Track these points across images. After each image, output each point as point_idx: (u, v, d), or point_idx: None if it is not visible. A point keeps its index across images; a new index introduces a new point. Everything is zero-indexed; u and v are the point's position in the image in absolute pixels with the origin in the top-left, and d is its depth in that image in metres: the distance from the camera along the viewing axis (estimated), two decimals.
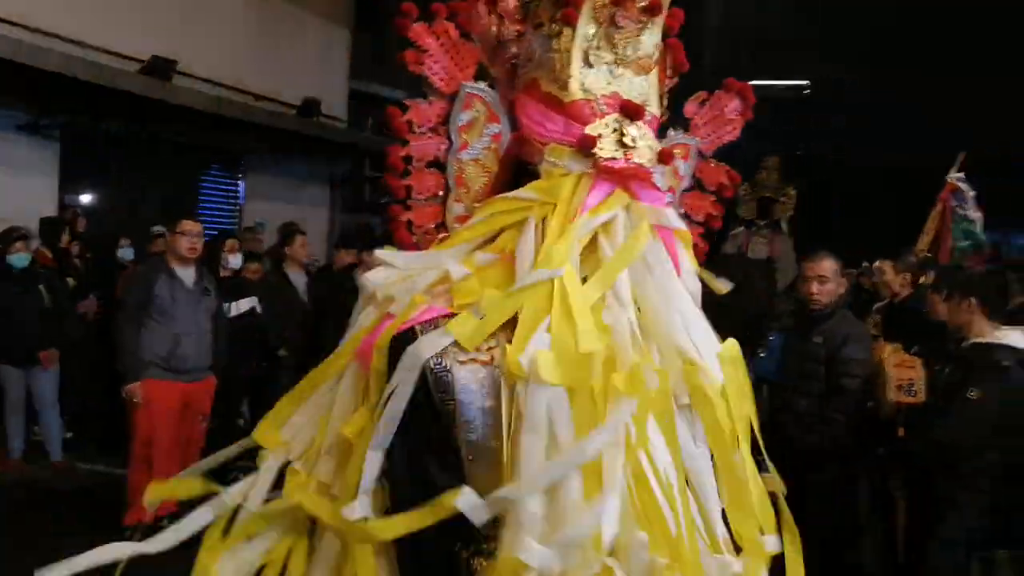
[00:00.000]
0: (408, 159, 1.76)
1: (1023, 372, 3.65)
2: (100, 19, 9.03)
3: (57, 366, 6.81)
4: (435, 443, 1.54)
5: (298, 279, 7.32)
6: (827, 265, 4.23)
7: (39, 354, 6.59)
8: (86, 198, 9.37)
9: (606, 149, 1.58)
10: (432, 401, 1.53)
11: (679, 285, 1.61)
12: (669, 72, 1.80)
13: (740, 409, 1.56)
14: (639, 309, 1.55)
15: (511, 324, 1.52)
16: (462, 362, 1.53)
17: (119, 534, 5.36)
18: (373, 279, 1.70)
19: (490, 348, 1.54)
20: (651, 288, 1.56)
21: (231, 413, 7.01)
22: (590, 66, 1.63)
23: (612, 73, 1.64)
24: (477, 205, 1.73)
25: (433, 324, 1.55)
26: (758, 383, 5.11)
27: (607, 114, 1.60)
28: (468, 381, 1.53)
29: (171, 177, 10.62)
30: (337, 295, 6.79)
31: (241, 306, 6.60)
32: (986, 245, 6.58)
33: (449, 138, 1.76)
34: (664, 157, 1.63)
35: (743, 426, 1.56)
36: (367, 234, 14.81)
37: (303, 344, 7.17)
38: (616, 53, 1.63)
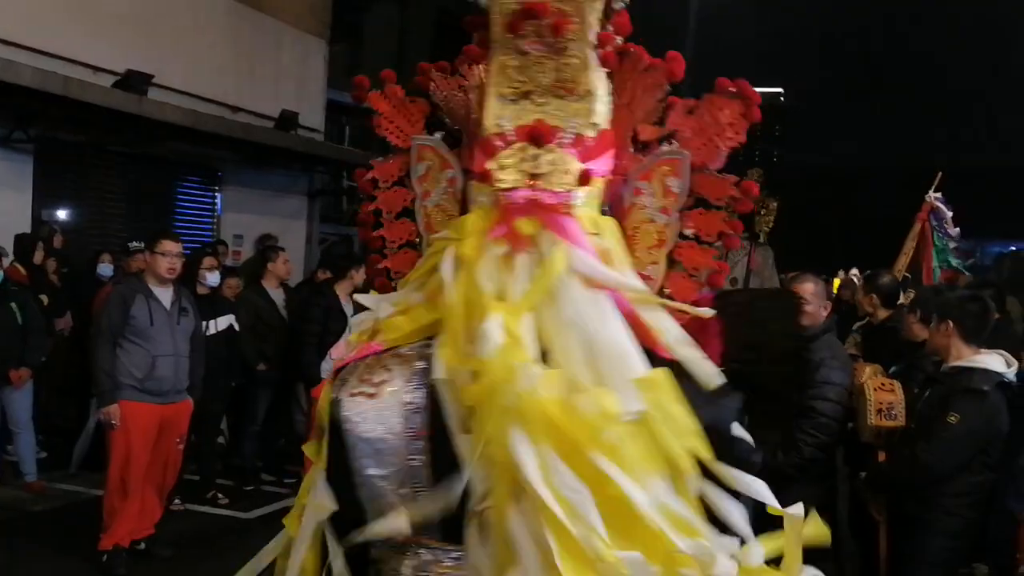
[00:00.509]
0: (379, 212, 1.88)
1: (1000, 396, 3.69)
2: (75, 32, 8.95)
3: (30, 385, 6.71)
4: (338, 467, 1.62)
5: (276, 294, 7.29)
6: (808, 288, 4.21)
7: (10, 373, 6.48)
8: (61, 213, 9.24)
9: (507, 180, 1.58)
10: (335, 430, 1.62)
11: (590, 310, 1.50)
12: (652, 83, 1.77)
13: (663, 436, 1.45)
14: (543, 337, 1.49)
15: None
16: (352, 395, 1.60)
17: (95, 558, 5.33)
18: (353, 322, 1.80)
19: (381, 381, 1.59)
20: (553, 318, 1.50)
21: (210, 430, 6.98)
22: (508, 100, 1.64)
23: (534, 102, 1.64)
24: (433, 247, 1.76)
25: (364, 360, 1.64)
26: None
27: (516, 142, 1.60)
28: (361, 416, 1.58)
29: (147, 191, 10.55)
30: (312, 309, 6.80)
31: (219, 324, 6.57)
32: (963, 271, 6.66)
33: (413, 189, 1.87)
34: (584, 179, 1.58)
35: (669, 451, 1.45)
36: (347, 247, 14.80)
37: (281, 359, 7.16)
38: (534, 79, 1.63)
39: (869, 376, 4.10)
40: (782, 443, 3.94)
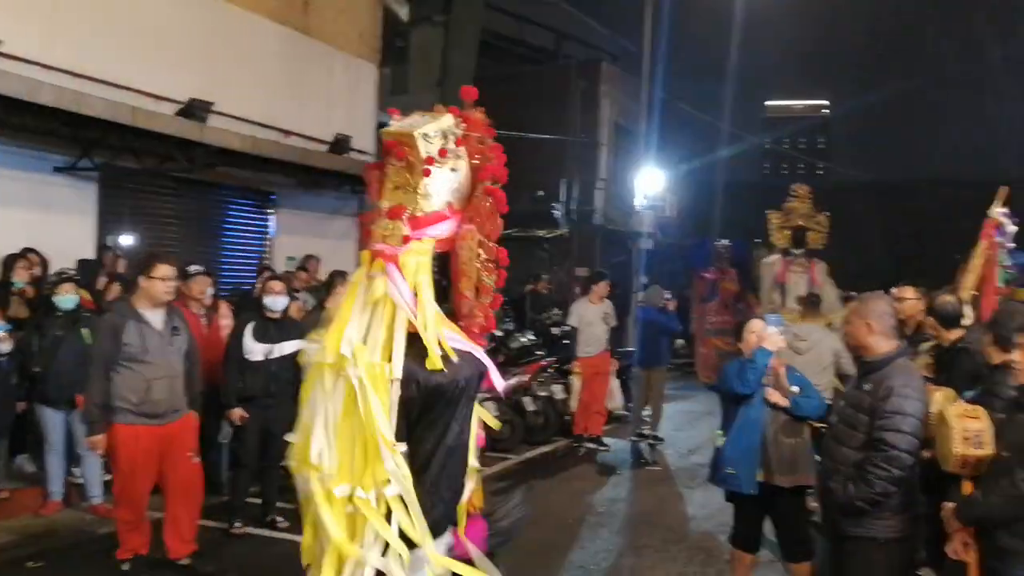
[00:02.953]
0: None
1: None
2: (140, 63, 9.20)
3: None
4: None
5: None
6: (849, 306, 4.15)
7: (77, 397, 6.58)
8: (123, 239, 9.45)
9: (376, 235, 2.79)
10: None
11: (379, 319, 2.72)
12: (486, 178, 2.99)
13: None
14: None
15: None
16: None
17: None
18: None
19: None
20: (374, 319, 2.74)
21: (276, 455, 6.98)
22: (388, 191, 2.84)
23: (400, 192, 2.82)
24: None
25: None
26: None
27: (383, 216, 2.80)
28: None
29: (204, 215, 10.76)
30: None
31: (284, 348, 6.60)
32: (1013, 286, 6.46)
33: None
34: (405, 240, 2.77)
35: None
36: None
37: None
38: (397, 181, 2.81)
39: (940, 404, 3.94)
40: (853, 475, 3.84)
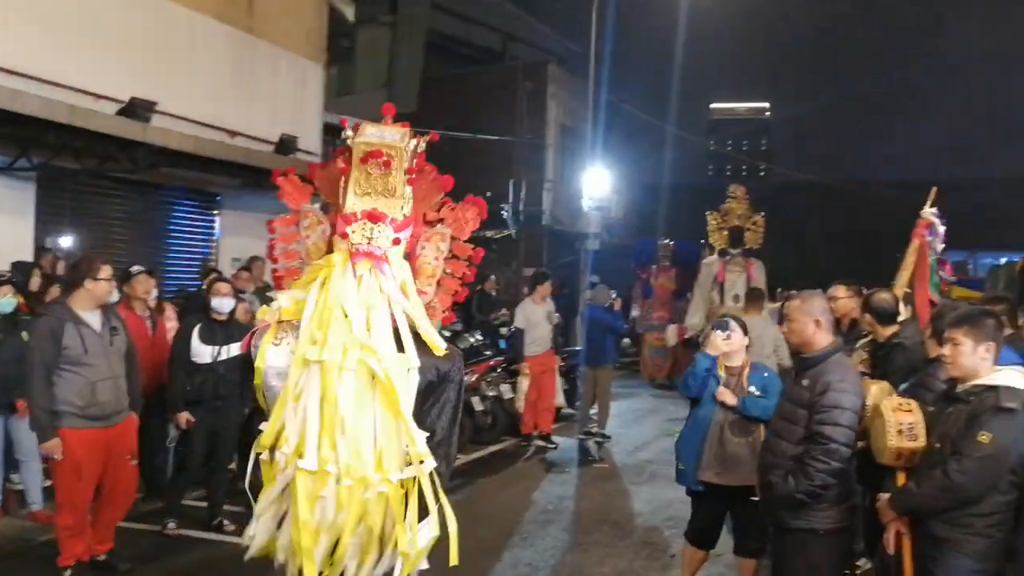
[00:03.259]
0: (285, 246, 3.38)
1: None
2: (80, 62, 9.04)
3: None
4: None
5: None
6: (792, 304, 4.21)
7: (16, 402, 6.45)
8: (63, 240, 9.26)
9: (355, 238, 3.02)
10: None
11: (383, 315, 2.95)
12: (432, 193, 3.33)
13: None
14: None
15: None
16: (273, 344, 3.02)
17: None
18: (273, 305, 3.12)
19: (282, 338, 3.00)
20: (375, 312, 2.94)
21: (225, 457, 6.93)
22: (358, 195, 3.07)
23: (372, 198, 3.07)
24: (312, 266, 3.16)
25: (263, 329, 3.06)
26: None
27: (361, 220, 3.03)
28: (274, 357, 2.99)
29: (146, 216, 10.60)
30: None
31: (231, 350, 6.55)
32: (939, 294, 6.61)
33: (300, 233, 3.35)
34: (395, 243, 3.07)
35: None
36: None
37: None
38: (373, 187, 3.08)
39: (876, 397, 4.06)
40: (793, 469, 3.96)
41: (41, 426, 5.28)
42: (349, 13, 15.69)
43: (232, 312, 6.75)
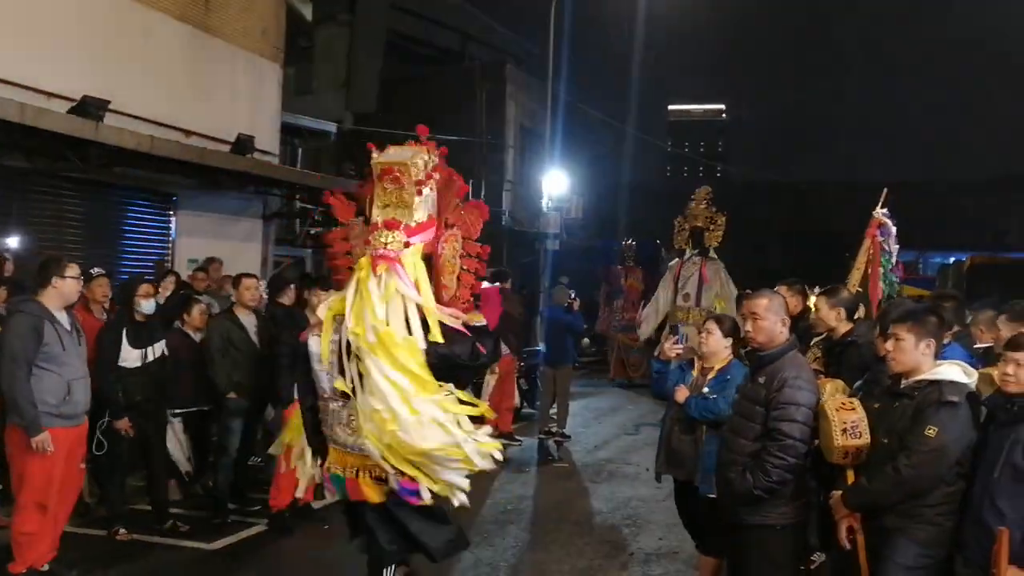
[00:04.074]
0: (339, 253, 4.45)
1: (969, 406, 3.76)
2: (31, 59, 8.85)
3: None
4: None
5: (248, 320, 7.26)
6: (759, 303, 4.25)
7: None
8: (13, 241, 9.06)
9: (374, 243, 4.03)
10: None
11: (398, 304, 3.99)
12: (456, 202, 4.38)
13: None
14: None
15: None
16: (313, 336, 4.21)
17: None
18: (324, 303, 4.31)
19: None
20: (392, 307, 3.99)
21: (159, 459, 6.89)
22: (378, 207, 4.11)
23: (391, 208, 4.09)
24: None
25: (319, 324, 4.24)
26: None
27: (380, 228, 4.03)
28: (313, 346, 4.19)
29: (101, 216, 10.41)
30: (284, 332, 6.82)
31: (156, 351, 6.57)
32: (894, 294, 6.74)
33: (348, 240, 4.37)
34: (406, 246, 4.03)
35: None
36: (300, 268, 14.74)
37: (253, 386, 7.12)
38: (389, 199, 4.10)
39: (830, 395, 4.12)
40: (750, 465, 4.02)
41: (29, 421, 5.19)
42: (307, 12, 15.57)
43: (154, 313, 6.73)
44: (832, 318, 5.40)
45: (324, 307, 4.16)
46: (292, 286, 7.80)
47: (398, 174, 4.03)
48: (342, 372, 4.04)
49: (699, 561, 5.52)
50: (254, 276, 7.64)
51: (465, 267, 4.29)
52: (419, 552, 4.36)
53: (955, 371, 3.82)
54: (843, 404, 3.97)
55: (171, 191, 11.20)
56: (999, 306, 5.52)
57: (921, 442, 3.65)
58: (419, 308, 3.97)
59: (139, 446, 6.62)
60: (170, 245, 11.37)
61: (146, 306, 6.56)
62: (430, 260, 4.17)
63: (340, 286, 4.28)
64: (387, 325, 3.88)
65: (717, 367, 5.27)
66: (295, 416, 4.50)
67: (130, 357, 6.44)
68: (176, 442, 7.38)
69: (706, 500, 4.95)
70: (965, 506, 3.73)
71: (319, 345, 4.11)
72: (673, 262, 13.36)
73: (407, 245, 3.97)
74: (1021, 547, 3.54)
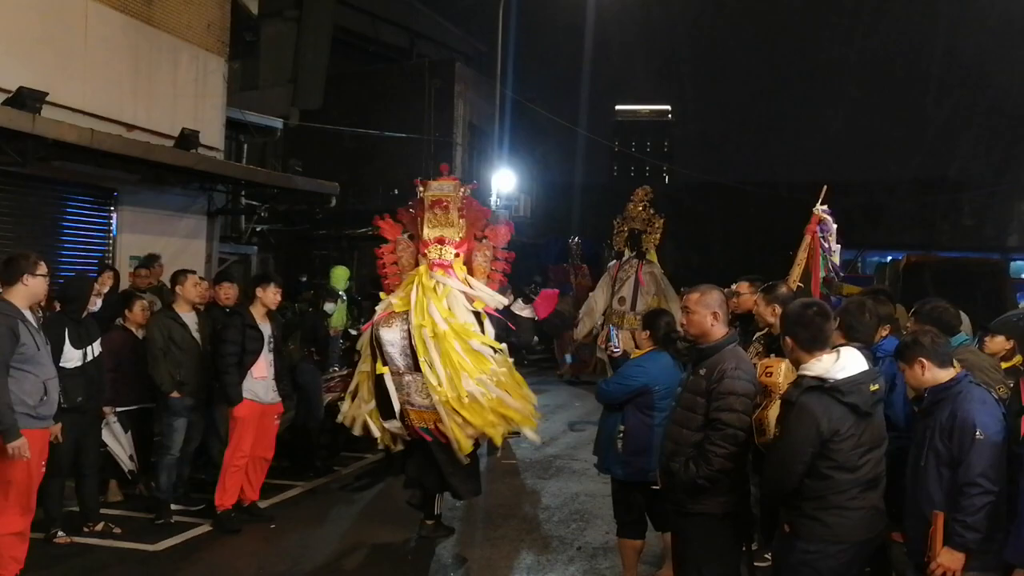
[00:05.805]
0: (388, 264, 6.87)
1: (817, 398, 3.72)
2: None
3: None
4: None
5: (189, 317, 7.16)
6: (691, 296, 4.36)
7: None
8: None
9: (431, 255, 6.45)
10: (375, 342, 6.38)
11: (458, 298, 6.38)
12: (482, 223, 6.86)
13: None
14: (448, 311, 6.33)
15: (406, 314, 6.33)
16: (384, 327, 6.31)
17: None
18: (382, 304, 6.61)
19: (392, 323, 6.31)
20: (452, 303, 6.37)
21: (92, 459, 6.73)
22: (429, 227, 6.49)
23: (440, 228, 6.46)
24: (407, 275, 6.62)
25: (382, 318, 6.40)
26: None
27: (433, 244, 6.45)
28: (388, 335, 6.28)
29: (37, 212, 10.15)
30: (229, 330, 6.75)
31: (95, 350, 6.45)
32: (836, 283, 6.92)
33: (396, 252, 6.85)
34: (456, 256, 6.50)
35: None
36: (246, 268, 14.51)
37: (197, 384, 7.02)
38: (439, 222, 6.48)
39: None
40: (693, 455, 4.11)
41: (8, 426, 5.01)
42: (253, 6, 15.30)
43: (96, 313, 6.66)
44: (769, 314, 5.54)
45: (384, 304, 6.43)
46: (235, 284, 7.72)
47: (447, 203, 6.36)
48: (412, 354, 6.06)
49: (618, 544, 5.65)
50: (194, 272, 7.52)
51: (495, 268, 6.67)
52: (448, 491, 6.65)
53: (816, 364, 3.79)
54: (767, 366, 4.22)
55: (112, 186, 10.95)
56: (931, 302, 5.70)
57: (776, 440, 3.92)
58: (469, 299, 6.33)
59: (72, 450, 6.43)
60: (111, 242, 11.12)
61: (98, 304, 6.53)
62: (467, 265, 6.53)
63: (389, 290, 6.56)
64: (453, 315, 6.10)
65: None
66: (364, 387, 6.48)
67: (72, 357, 6.27)
68: (116, 441, 7.23)
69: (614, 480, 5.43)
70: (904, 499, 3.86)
71: (391, 333, 6.14)
72: (611, 263, 13.40)
73: (457, 256, 6.40)
74: (951, 528, 3.68)
